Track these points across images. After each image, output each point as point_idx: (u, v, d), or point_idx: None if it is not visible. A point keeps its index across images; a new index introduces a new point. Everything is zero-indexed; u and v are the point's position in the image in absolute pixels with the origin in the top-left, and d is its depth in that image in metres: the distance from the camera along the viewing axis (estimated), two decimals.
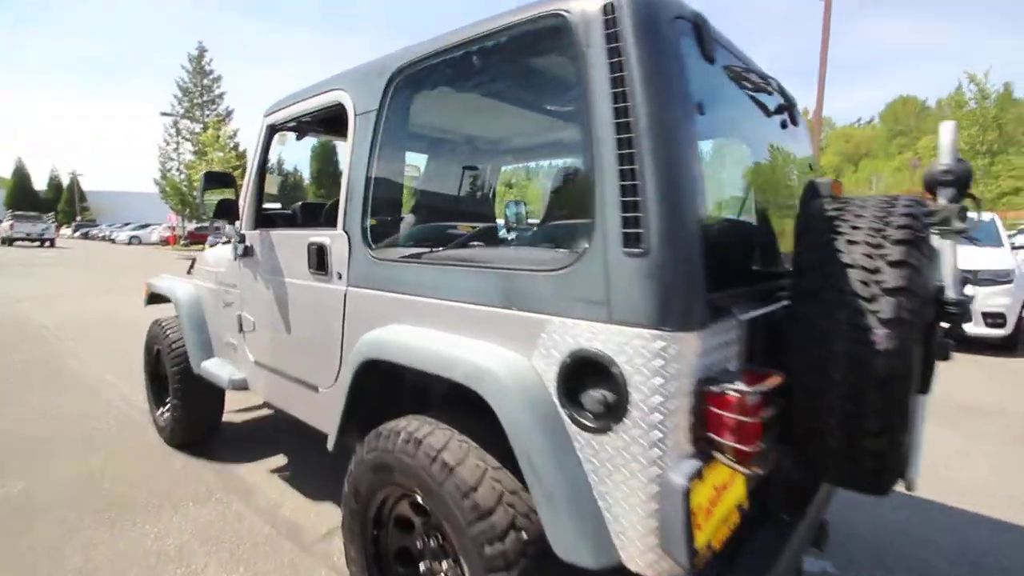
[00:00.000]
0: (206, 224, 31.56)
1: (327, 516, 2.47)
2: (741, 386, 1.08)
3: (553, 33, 1.28)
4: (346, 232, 1.84)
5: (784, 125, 1.86)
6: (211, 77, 35.35)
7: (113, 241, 36.73)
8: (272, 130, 2.37)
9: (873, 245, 1.18)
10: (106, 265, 17.40)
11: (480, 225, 2.12)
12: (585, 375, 1.18)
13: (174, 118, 33.34)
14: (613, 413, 1.13)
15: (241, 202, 2.39)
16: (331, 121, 2.58)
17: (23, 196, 52.32)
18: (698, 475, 1.07)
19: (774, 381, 1.18)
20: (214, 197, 2.27)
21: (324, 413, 2.02)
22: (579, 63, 1.20)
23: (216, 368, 2.71)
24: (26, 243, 27.50)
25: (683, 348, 1.06)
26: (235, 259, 2.48)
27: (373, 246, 1.76)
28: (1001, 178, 23.12)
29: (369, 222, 1.78)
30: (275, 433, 3.48)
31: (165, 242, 33.81)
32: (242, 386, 2.56)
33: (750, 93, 1.65)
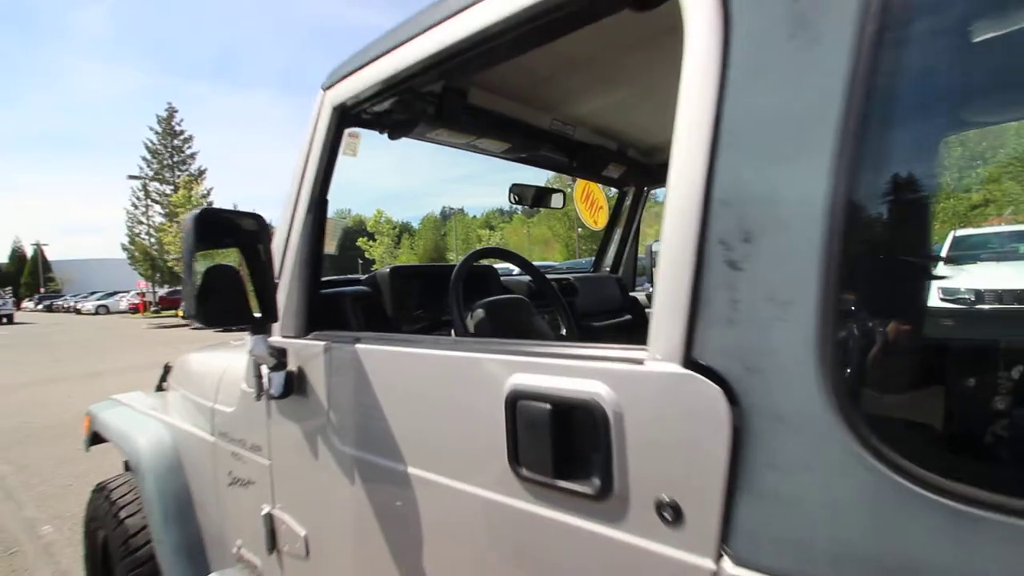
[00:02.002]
0: (179, 288, 29.70)
1: None
2: None
3: None
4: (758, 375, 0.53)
5: None
6: (181, 137, 34.27)
7: (79, 311, 34.81)
8: (343, 118, 1.07)
9: None
10: (66, 342, 15.54)
11: None
12: None
13: (143, 180, 31.91)
14: None
15: (279, 275, 1.08)
16: (444, 99, 1.30)
17: None
18: None
19: None
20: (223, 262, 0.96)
21: None
22: None
23: None
24: None
25: None
26: (260, 398, 1.13)
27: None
28: None
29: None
30: None
31: (135, 310, 31.88)
32: None
33: None
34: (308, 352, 1.05)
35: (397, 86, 0.96)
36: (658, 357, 0.57)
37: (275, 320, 1.01)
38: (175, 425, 1.66)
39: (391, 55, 0.94)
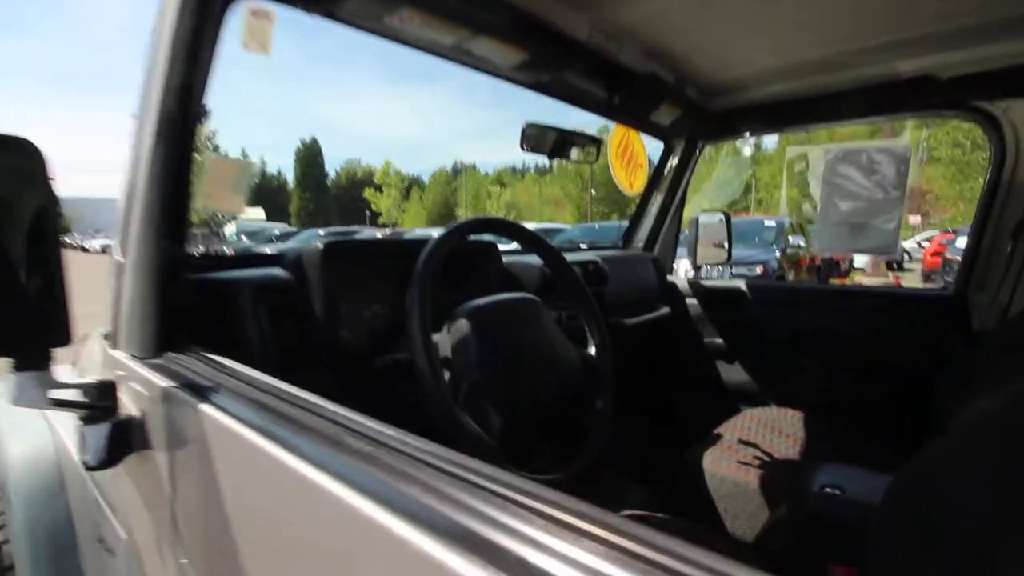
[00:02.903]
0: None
1: None
2: None
3: None
4: None
5: None
6: None
7: (86, 250, 34.67)
8: None
9: None
10: None
11: None
12: None
13: None
14: None
15: (122, 251, 0.63)
16: None
17: None
18: None
19: None
20: None
21: None
22: None
23: None
24: None
25: None
26: (91, 463, 0.69)
27: None
28: None
29: None
30: None
31: None
32: None
33: None
34: (150, 389, 0.60)
35: None
36: None
37: (64, 342, 0.55)
38: (60, 434, 1.24)
39: None
